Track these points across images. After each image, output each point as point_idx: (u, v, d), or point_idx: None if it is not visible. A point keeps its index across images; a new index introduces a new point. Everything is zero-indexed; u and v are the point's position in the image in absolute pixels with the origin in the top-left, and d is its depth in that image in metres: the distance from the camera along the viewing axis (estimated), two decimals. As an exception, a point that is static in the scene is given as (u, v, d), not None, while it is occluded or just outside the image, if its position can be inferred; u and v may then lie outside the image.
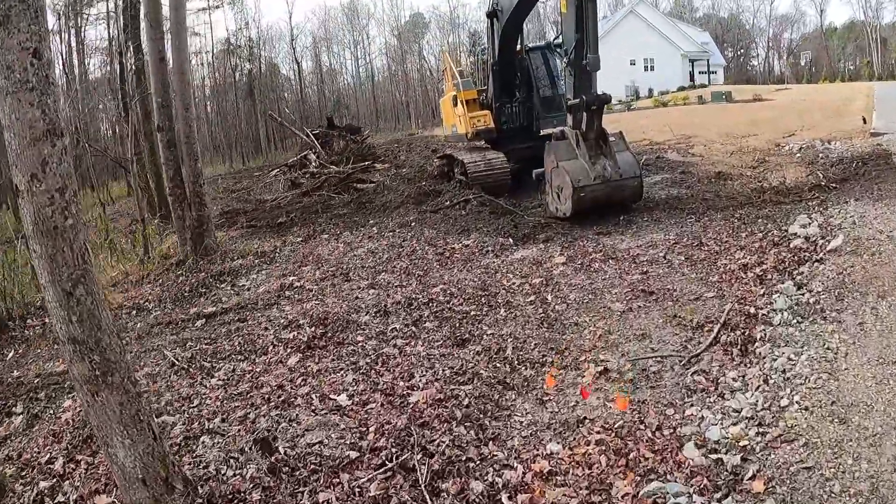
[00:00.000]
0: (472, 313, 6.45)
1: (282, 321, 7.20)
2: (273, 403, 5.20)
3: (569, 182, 9.58)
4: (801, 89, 37.02)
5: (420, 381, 5.04)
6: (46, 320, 9.33)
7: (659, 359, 5.13)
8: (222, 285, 9.56)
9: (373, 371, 5.35)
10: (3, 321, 8.77)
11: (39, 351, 8.07)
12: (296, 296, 8.32)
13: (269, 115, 31.68)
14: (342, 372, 5.46)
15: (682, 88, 41.75)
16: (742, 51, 70.38)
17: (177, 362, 6.67)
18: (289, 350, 6.34)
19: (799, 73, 60.67)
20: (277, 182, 21.03)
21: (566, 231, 9.60)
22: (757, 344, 4.98)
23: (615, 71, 42.09)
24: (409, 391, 4.96)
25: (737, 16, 68.36)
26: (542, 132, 14.31)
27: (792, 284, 5.81)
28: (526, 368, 5.19)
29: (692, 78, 48.10)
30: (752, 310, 5.45)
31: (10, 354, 8.15)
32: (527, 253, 8.61)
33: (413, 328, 6.28)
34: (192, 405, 5.71)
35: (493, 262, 8.30)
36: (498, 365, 5.24)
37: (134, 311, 9.10)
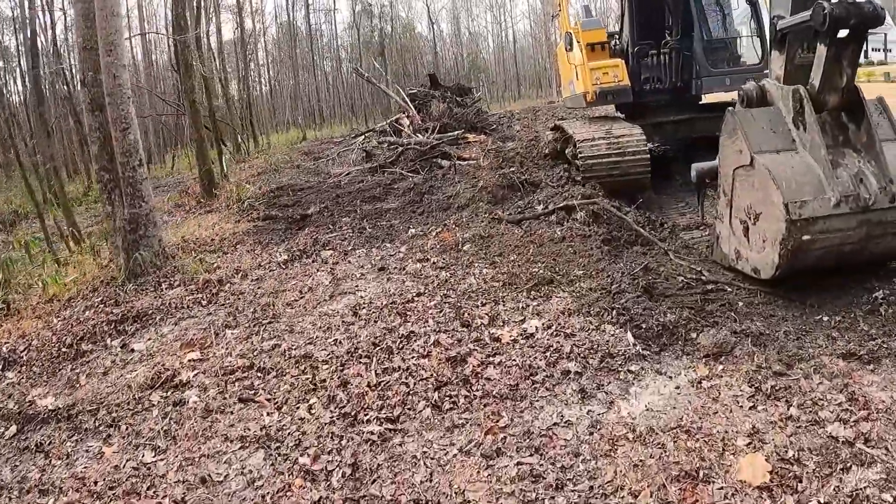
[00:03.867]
0: None
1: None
2: None
3: (779, 205, 4.12)
4: None
5: None
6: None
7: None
8: (113, 342, 5.43)
9: None
10: None
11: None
12: (147, 418, 3.93)
13: (355, 69, 27.51)
14: None
15: None
16: None
17: None
18: None
19: None
20: (356, 151, 16.85)
21: (759, 319, 4.23)
22: None
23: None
24: None
25: None
26: (703, 98, 8.88)
27: None
28: None
29: None
30: None
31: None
32: (664, 400, 3.33)
33: None
34: None
35: (570, 427, 3.20)
36: None
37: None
